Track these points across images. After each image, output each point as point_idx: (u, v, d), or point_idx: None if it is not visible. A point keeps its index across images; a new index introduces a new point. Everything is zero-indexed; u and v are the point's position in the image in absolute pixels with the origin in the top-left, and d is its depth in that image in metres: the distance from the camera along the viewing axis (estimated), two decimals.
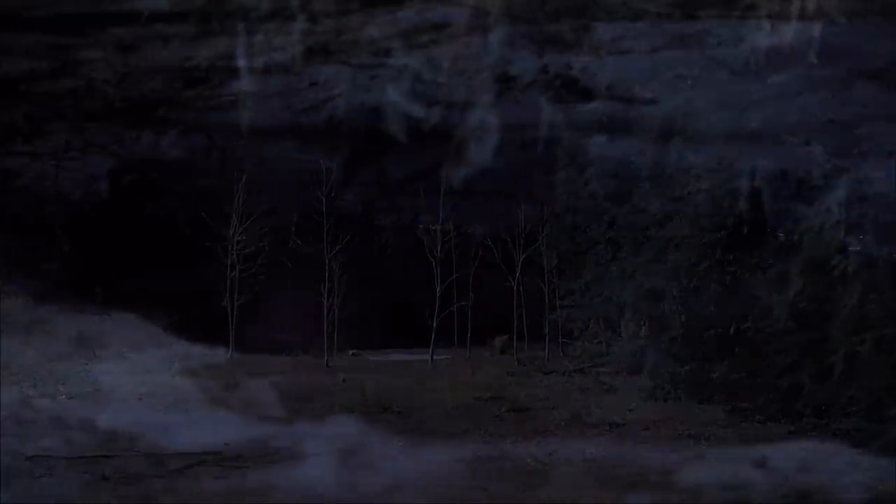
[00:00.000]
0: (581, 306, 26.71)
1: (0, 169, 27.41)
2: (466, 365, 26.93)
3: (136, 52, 26.07)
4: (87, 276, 26.55)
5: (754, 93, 25.33)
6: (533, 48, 26.17)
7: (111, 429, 21.71)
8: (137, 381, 24.38)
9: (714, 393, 24.04)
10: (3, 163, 27.44)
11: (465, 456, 21.17)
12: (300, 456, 20.96)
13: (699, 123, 25.29)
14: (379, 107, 26.30)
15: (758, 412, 23.39)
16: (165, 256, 26.20)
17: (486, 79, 26.05)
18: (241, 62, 25.71)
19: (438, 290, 26.63)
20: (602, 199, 26.26)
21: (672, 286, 24.56)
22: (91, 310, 26.23)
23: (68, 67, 26.67)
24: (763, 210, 24.78)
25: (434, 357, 26.94)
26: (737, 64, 25.38)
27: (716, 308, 24.22)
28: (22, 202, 27.33)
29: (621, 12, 25.46)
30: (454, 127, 25.83)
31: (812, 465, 20.70)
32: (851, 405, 22.72)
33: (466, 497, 19.54)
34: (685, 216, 24.87)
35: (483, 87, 26.02)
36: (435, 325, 26.61)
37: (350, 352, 27.39)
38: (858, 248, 23.75)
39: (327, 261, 26.19)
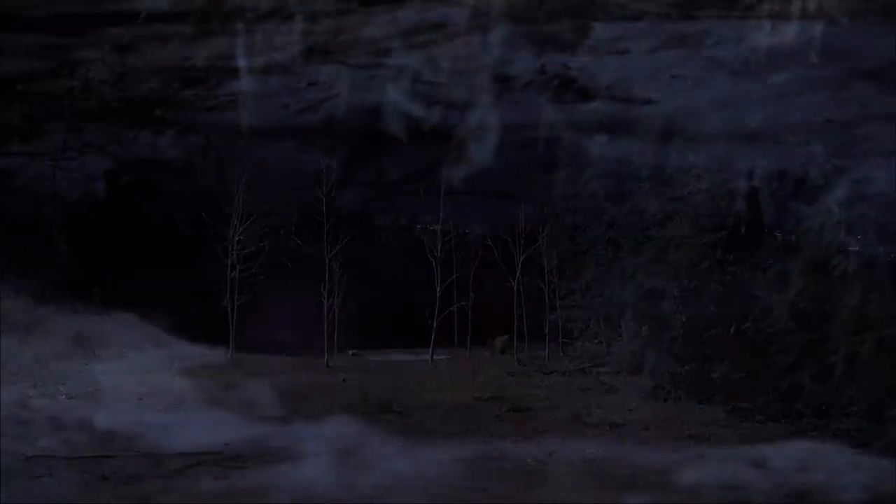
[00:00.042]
0: (581, 306, 26.68)
1: None
2: (466, 365, 26.91)
3: (134, 52, 26.08)
4: (85, 277, 26.52)
5: (754, 93, 25.36)
6: (532, 48, 26.20)
7: (111, 429, 21.70)
8: (137, 381, 24.35)
9: (714, 393, 24.05)
10: (1, 163, 27.40)
11: (465, 456, 21.18)
12: (300, 456, 20.96)
13: (699, 123, 25.30)
14: (378, 107, 26.31)
15: (758, 412, 23.41)
16: (164, 256, 26.18)
17: (485, 79, 26.07)
18: (240, 62, 25.72)
19: (439, 290, 26.61)
20: (602, 199, 26.25)
21: (672, 286, 24.55)
22: (90, 310, 26.20)
23: (66, 67, 26.67)
24: (762, 210, 24.81)
25: (434, 357, 26.92)
26: (736, 64, 25.43)
27: (716, 308, 24.22)
28: (19, 202, 27.29)
29: (620, 13, 25.50)
30: (453, 127, 25.83)
31: (812, 465, 20.73)
32: (852, 405, 22.76)
33: (466, 497, 19.55)
34: (685, 216, 24.86)
35: (482, 86, 26.03)
36: (435, 325, 26.59)
37: (350, 352, 27.35)
38: (858, 248, 23.78)
39: (327, 261, 26.16)
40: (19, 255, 26.00)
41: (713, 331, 24.16)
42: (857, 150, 24.48)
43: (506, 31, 25.61)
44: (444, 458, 21.02)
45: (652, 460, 21.03)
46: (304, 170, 27.05)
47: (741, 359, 23.94)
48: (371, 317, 26.48)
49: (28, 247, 26.45)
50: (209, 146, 27.72)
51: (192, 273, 26.14)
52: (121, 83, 26.71)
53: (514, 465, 21.07)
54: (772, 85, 25.01)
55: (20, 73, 26.30)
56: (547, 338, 27.12)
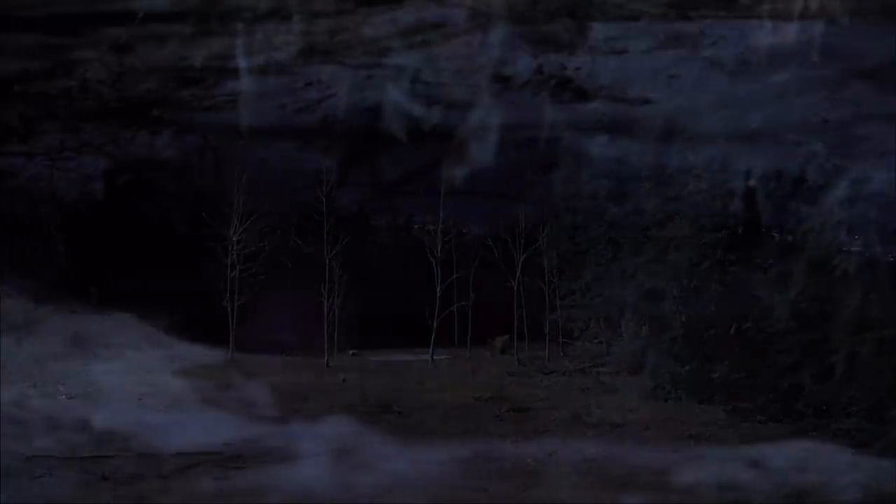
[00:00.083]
0: (581, 306, 26.67)
1: None
2: (466, 365, 26.92)
3: (131, 52, 26.00)
4: (84, 277, 26.48)
5: (753, 93, 25.33)
6: (529, 48, 26.16)
7: (110, 429, 21.66)
8: (137, 381, 24.31)
9: (715, 393, 24.07)
10: None
11: (464, 456, 21.17)
12: (300, 456, 20.94)
13: (698, 123, 25.29)
14: (376, 107, 26.26)
15: (758, 412, 23.43)
16: (162, 256, 26.15)
17: (483, 79, 26.03)
18: (237, 62, 25.66)
19: (439, 290, 26.61)
20: (602, 199, 26.24)
21: (672, 286, 24.56)
22: (89, 310, 26.15)
23: (63, 67, 26.59)
24: (762, 210, 24.80)
25: (434, 357, 26.91)
26: (733, 64, 25.40)
27: (716, 308, 24.24)
28: (17, 203, 27.23)
29: (618, 13, 25.47)
30: (453, 127, 25.80)
31: (813, 466, 20.73)
32: (852, 405, 22.77)
33: (466, 497, 19.55)
34: (685, 216, 24.86)
35: (480, 86, 26.00)
36: (435, 325, 26.59)
37: (350, 352, 27.34)
38: (858, 248, 23.78)
39: (327, 261, 26.15)
40: (17, 255, 25.95)
41: (713, 331, 24.18)
42: (857, 149, 24.48)
43: (503, 31, 25.57)
44: (444, 458, 21.02)
45: (652, 460, 21.04)
46: (303, 170, 27.03)
47: (741, 359, 23.95)
48: (371, 317, 26.48)
49: (26, 247, 26.39)
50: (207, 146, 27.68)
51: (191, 273, 26.11)
52: (118, 83, 26.63)
53: (514, 466, 21.07)
54: (771, 85, 24.97)
55: (18, 73, 26.21)
56: (547, 338, 27.13)
